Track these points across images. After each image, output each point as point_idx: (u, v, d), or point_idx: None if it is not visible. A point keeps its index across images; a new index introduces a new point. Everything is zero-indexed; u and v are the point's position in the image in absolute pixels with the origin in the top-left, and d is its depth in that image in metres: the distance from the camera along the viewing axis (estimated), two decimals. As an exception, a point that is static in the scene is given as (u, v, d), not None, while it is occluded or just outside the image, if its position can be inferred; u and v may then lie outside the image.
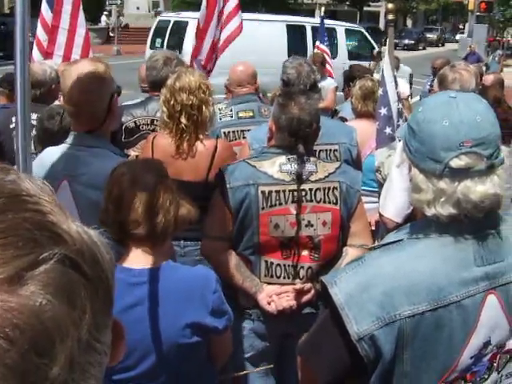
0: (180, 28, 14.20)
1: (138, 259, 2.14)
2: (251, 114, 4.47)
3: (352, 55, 16.02)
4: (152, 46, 14.37)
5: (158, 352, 2.09)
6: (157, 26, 15.44)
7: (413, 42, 50.11)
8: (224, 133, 4.36)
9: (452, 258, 1.51)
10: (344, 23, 17.84)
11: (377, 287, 1.50)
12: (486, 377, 1.58)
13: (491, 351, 1.56)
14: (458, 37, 59.73)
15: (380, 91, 4.26)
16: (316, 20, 15.92)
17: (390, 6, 4.74)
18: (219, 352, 2.36)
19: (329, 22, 14.54)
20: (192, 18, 11.38)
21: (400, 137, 1.71)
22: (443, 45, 56.59)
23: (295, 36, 15.36)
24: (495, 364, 1.58)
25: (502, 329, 1.56)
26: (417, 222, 1.65)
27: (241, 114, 4.47)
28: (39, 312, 0.58)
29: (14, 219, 0.61)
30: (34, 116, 3.77)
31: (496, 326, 1.54)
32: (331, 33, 14.41)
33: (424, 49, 50.23)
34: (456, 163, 1.47)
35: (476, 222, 1.52)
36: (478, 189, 1.47)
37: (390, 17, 4.46)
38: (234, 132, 4.40)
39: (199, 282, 2.19)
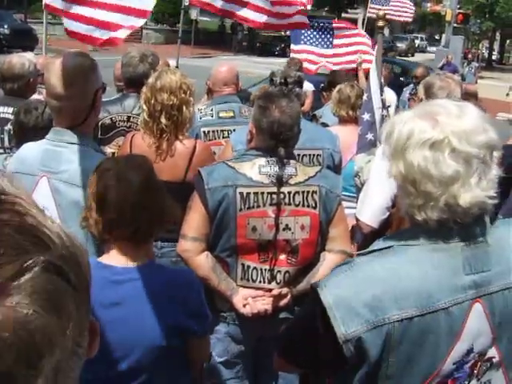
0: None
1: (121, 257, 2.09)
2: (232, 114, 4.46)
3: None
4: None
5: (136, 352, 2.06)
6: None
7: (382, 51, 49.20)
8: (204, 132, 4.35)
9: (442, 265, 1.53)
10: None
11: (367, 290, 1.51)
12: (467, 383, 1.61)
13: (473, 359, 1.58)
14: (432, 48, 59.25)
15: (364, 97, 4.29)
16: None
17: (381, 12, 4.75)
18: (197, 356, 2.33)
19: None
20: None
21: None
22: (413, 55, 54.37)
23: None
24: (476, 371, 1.60)
25: (485, 337, 1.58)
26: (406, 229, 1.66)
27: (221, 114, 4.46)
28: (26, 323, 0.56)
29: None
30: (10, 110, 3.72)
31: (479, 335, 1.57)
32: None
33: (393, 58, 48.34)
34: None
35: (465, 229, 1.55)
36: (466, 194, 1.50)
37: (380, 23, 4.46)
38: (213, 131, 4.38)
39: (182, 285, 2.16)
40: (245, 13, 6.99)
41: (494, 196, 1.53)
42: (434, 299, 1.51)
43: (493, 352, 1.61)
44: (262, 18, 7.08)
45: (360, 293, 1.52)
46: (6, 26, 26.66)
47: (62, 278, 0.61)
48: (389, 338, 1.49)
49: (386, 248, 1.59)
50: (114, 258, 2.10)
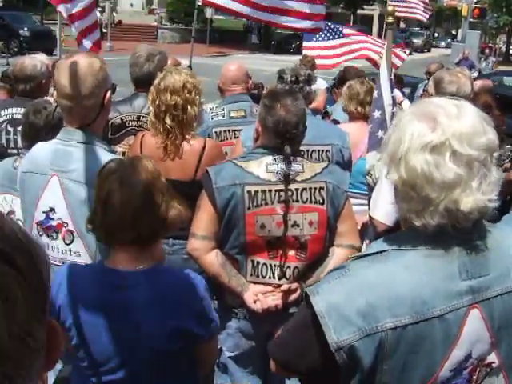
0: None
1: (126, 261, 2.07)
2: (243, 113, 4.46)
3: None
4: None
5: (141, 356, 2.04)
6: None
7: (397, 46, 48.34)
8: (215, 132, 4.37)
9: (438, 271, 1.49)
10: None
11: (360, 298, 1.47)
12: None
13: (471, 364, 1.54)
14: (441, 43, 58.57)
15: (375, 94, 4.27)
16: None
17: (390, 8, 4.71)
18: (205, 356, 2.31)
19: None
20: None
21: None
22: (429, 50, 53.78)
23: None
24: (474, 377, 1.56)
25: (484, 342, 1.53)
26: (402, 232, 1.62)
27: (232, 114, 4.47)
28: None
29: None
30: (23, 111, 3.76)
31: (477, 340, 1.52)
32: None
33: (410, 54, 46.97)
34: None
35: (463, 234, 1.50)
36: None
37: (390, 19, 4.43)
38: (225, 132, 4.39)
39: (187, 288, 2.12)
40: (257, 14, 7.01)
41: (495, 199, 1.48)
42: (427, 306, 1.46)
43: (492, 357, 1.56)
44: (275, 18, 7.09)
45: (353, 300, 1.47)
46: (25, 29, 26.59)
47: (10, 264, 0.65)
48: (382, 346, 1.45)
49: (380, 252, 1.55)
50: (119, 262, 2.07)
